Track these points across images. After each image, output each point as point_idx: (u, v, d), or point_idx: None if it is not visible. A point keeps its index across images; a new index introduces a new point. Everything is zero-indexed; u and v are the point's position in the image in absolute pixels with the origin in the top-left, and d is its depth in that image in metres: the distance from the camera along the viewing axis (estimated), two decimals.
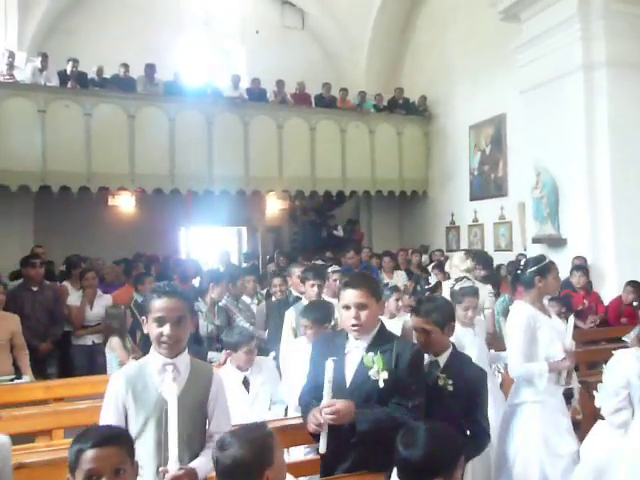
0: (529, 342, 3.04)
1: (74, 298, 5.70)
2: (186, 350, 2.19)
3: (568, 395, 3.42)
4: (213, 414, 2.18)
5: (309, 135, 10.43)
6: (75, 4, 10.93)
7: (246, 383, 3.44)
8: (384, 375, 2.18)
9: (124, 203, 10.76)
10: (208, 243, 12.33)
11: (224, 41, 12.42)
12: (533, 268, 3.16)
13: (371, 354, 2.22)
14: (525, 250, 7.98)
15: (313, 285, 3.95)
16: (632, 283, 5.97)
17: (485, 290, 5.04)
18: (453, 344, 2.69)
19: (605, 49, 6.64)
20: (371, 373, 2.20)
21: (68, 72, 8.84)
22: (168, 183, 9.43)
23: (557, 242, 7.09)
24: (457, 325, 3.17)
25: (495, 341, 4.57)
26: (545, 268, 3.15)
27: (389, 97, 11.25)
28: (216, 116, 9.70)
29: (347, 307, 2.26)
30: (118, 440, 1.66)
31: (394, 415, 2.13)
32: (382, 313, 2.58)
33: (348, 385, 2.23)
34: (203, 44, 12.09)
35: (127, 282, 6.33)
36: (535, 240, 7.39)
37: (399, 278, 7.39)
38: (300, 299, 4.21)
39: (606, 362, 2.91)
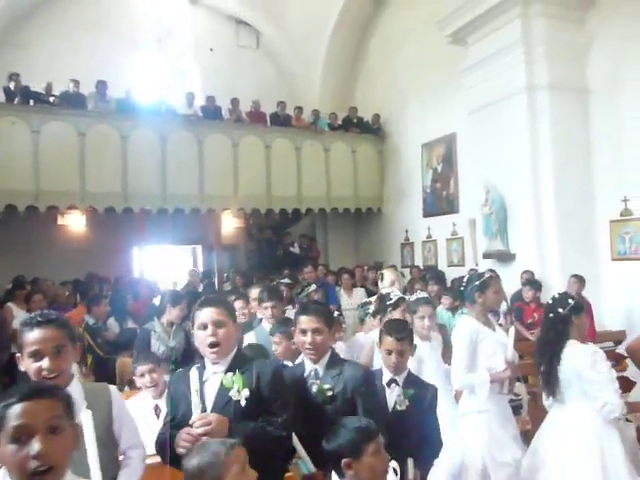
0: (471, 354, 3.17)
1: (20, 321, 5.46)
2: (75, 378, 2.09)
3: (517, 407, 3.54)
4: (121, 432, 2.13)
5: (264, 153, 10.46)
6: (25, 18, 10.69)
7: (157, 410, 3.34)
8: (245, 393, 2.14)
9: (74, 222, 10.46)
10: (163, 262, 12.11)
11: (178, 59, 12.35)
12: (474, 284, 3.29)
13: (230, 374, 2.18)
14: (477, 265, 8.20)
15: (267, 308, 3.92)
16: (575, 275, 6.26)
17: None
18: None
19: (547, 73, 6.99)
20: (232, 393, 2.15)
21: (12, 88, 8.59)
22: (120, 201, 9.25)
23: (506, 257, 7.33)
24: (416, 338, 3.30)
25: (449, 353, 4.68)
26: (484, 284, 3.28)
27: (343, 116, 11.43)
28: (170, 134, 9.62)
29: (205, 326, 2.20)
30: (52, 392, 1.39)
31: (268, 429, 2.11)
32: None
33: (211, 410, 2.13)
34: (157, 62, 11.98)
35: (79, 303, 6.14)
36: (485, 255, 7.62)
37: (358, 295, 7.46)
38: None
39: None
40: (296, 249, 11.18)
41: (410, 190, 10.68)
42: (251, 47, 12.98)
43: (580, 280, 6.13)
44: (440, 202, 9.86)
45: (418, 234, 10.50)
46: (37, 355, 1.92)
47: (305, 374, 2.46)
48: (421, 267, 9.63)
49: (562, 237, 6.94)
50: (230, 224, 12.30)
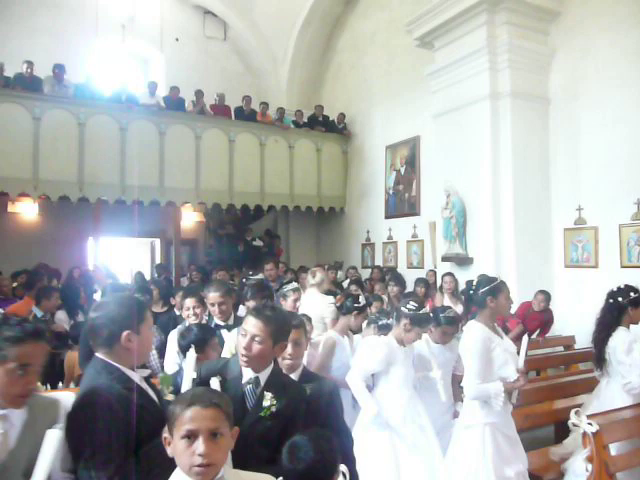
0: (485, 363, 3.06)
1: None
2: None
3: None
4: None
5: (228, 147, 10.30)
6: None
7: None
8: None
9: (25, 210, 10.07)
10: (119, 255, 11.78)
11: (142, 47, 12.07)
12: (485, 288, 3.17)
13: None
14: (435, 268, 8.30)
15: (188, 308, 3.77)
16: (543, 292, 6.34)
17: (325, 301, 5.23)
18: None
19: (509, 80, 7.08)
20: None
21: None
22: (75, 191, 8.94)
23: (464, 261, 7.42)
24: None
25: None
26: (496, 288, 3.16)
27: (309, 113, 11.37)
28: (130, 123, 9.35)
29: None
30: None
31: None
32: None
33: None
34: (120, 48, 11.67)
35: (26, 296, 5.85)
36: (444, 258, 7.69)
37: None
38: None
39: None
40: (259, 243, 11.06)
41: (373, 191, 10.72)
42: (218, 39, 12.79)
43: (547, 297, 6.19)
44: (402, 204, 9.93)
45: (379, 235, 10.54)
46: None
47: (243, 380, 2.22)
48: (382, 268, 9.66)
49: (519, 243, 7.06)
50: (190, 218, 12.10)
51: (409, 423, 3.34)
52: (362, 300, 4.18)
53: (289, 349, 2.37)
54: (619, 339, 3.53)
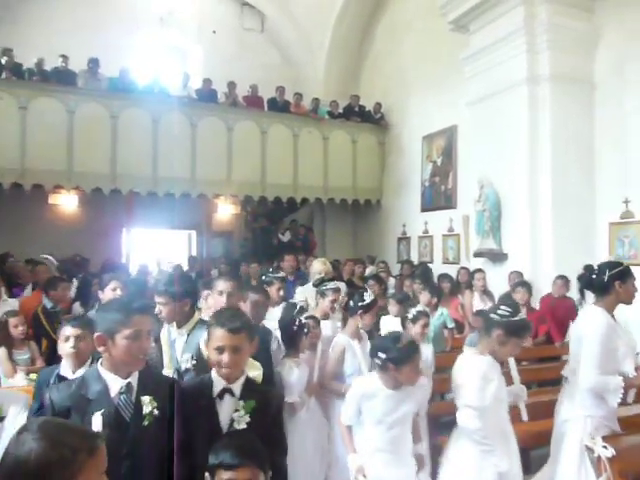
0: (607, 353, 2.80)
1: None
2: None
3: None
4: None
5: (260, 139, 10.17)
6: None
7: None
8: None
9: (65, 202, 10.28)
10: (156, 246, 11.91)
11: (180, 40, 12.10)
12: (613, 271, 2.91)
13: None
14: (469, 263, 7.86)
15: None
16: (561, 276, 5.90)
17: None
18: None
19: (549, 63, 6.58)
20: None
21: (3, 62, 8.39)
22: (108, 183, 9.04)
23: (498, 257, 6.99)
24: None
25: None
26: (626, 272, 2.93)
27: (346, 104, 11.08)
28: (162, 115, 9.36)
29: None
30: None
31: None
32: None
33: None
34: (157, 42, 11.74)
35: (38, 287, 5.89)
36: (477, 254, 7.28)
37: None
38: None
39: None
40: (286, 237, 10.89)
41: (409, 183, 10.33)
42: (255, 30, 12.67)
43: (566, 281, 5.73)
44: (438, 197, 9.51)
45: (415, 229, 10.16)
46: None
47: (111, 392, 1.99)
48: (415, 263, 9.29)
49: (558, 238, 6.56)
50: (226, 210, 12.07)
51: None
52: (368, 297, 3.85)
53: (225, 357, 2.07)
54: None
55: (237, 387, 2.12)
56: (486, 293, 6.57)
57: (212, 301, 3.57)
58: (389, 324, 5.11)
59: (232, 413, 2.06)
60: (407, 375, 2.63)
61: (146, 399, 1.89)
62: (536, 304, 6.29)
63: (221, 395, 2.09)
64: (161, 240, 12.32)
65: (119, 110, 9.06)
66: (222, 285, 3.24)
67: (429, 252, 9.74)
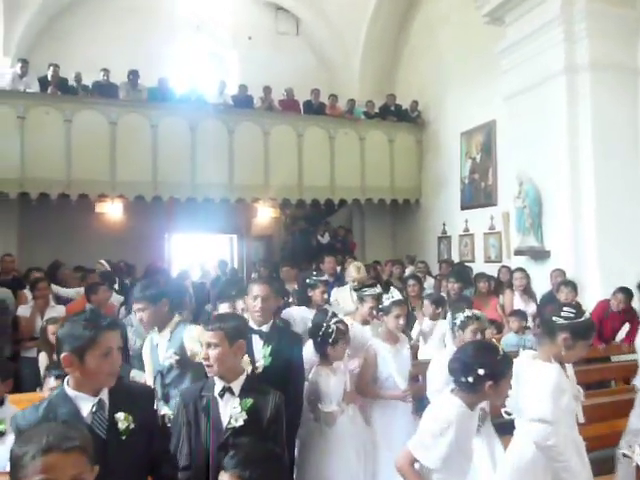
0: None
1: (25, 308, 5.53)
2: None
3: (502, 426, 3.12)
4: None
5: (296, 142, 10.21)
6: (65, 9, 10.91)
7: None
8: None
9: (111, 210, 10.63)
10: (199, 251, 12.15)
11: (216, 47, 12.31)
12: None
13: None
14: (510, 261, 7.64)
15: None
16: (623, 289, 5.60)
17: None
18: None
19: (588, 51, 6.32)
20: None
21: (49, 78, 8.75)
22: (150, 190, 9.28)
23: (540, 254, 6.76)
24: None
25: None
26: None
27: (381, 104, 10.99)
28: (200, 122, 9.54)
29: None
30: (79, 443, 1.32)
31: None
32: None
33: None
34: (194, 50, 11.97)
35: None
36: (518, 252, 7.06)
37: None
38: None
39: None
40: (325, 239, 10.88)
41: (448, 181, 10.15)
42: (290, 34, 12.73)
43: (628, 295, 5.36)
44: (478, 194, 9.29)
45: (455, 227, 9.96)
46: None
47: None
48: (454, 262, 9.11)
49: (602, 234, 6.29)
50: (265, 214, 12.18)
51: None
52: (386, 299, 3.66)
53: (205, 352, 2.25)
54: None
55: (236, 386, 2.22)
56: (527, 292, 6.36)
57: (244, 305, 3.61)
58: (427, 328, 5.03)
59: (231, 410, 2.14)
60: (503, 390, 2.31)
61: (120, 416, 1.83)
62: (582, 304, 6.03)
63: (222, 394, 2.20)
64: (203, 245, 12.55)
65: (158, 119, 9.29)
66: (257, 289, 3.16)
67: (470, 251, 9.53)
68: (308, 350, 3.43)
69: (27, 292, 6.24)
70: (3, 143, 8.36)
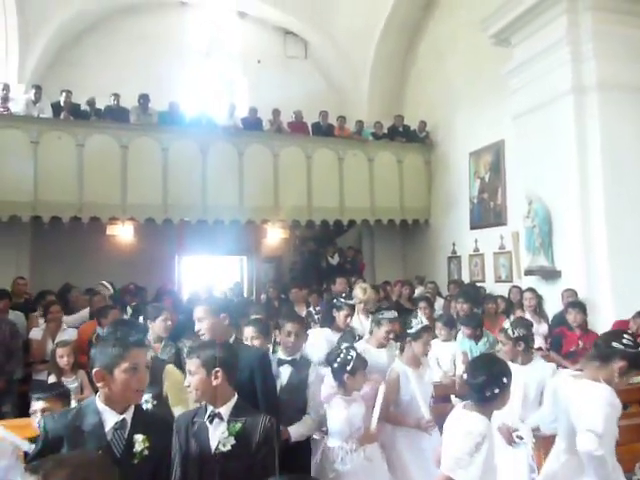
0: None
1: (37, 331, 5.55)
2: None
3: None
4: None
5: (306, 164, 10.27)
6: (77, 37, 11.16)
7: None
8: None
9: (122, 232, 10.71)
10: (208, 272, 12.18)
11: (226, 71, 12.49)
12: None
13: None
14: (521, 281, 7.58)
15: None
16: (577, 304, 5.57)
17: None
18: None
19: (596, 71, 6.34)
20: None
21: (62, 103, 8.92)
22: (161, 213, 9.36)
23: (551, 274, 6.69)
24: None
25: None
26: None
27: (389, 125, 11.06)
28: (210, 145, 9.65)
29: None
30: None
31: None
32: None
33: None
34: (204, 74, 12.16)
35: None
36: (528, 272, 7.00)
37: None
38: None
39: None
40: (335, 260, 10.87)
41: (458, 201, 10.13)
42: (299, 57, 12.91)
43: (582, 309, 5.43)
44: (487, 213, 9.26)
45: (465, 247, 9.92)
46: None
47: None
48: (465, 282, 9.05)
49: (614, 254, 6.22)
50: (275, 235, 12.21)
51: None
52: (415, 323, 3.64)
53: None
54: None
55: (225, 411, 2.23)
56: (538, 313, 6.30)
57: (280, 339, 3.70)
58: (439, 350, 4.96)
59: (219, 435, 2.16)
60: (508, 397, 2.51)
61: (139, 437, 1.92)
62: (594, 325, 5.93)
63: (211, 419, 2.22)
64: (213, 266, 12.58)
65: (169, 142, 9.40)
66: (290, 326, 3.47)
67: (480, 270, 9.47)
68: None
69: (38, 315, 6.30)
70: (17, 167, 8.51)
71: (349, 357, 3.20)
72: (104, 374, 1.97)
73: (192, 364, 2.29)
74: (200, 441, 2.18)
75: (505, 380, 2.41)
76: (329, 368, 3.33)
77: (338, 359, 3.22)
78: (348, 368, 3.18)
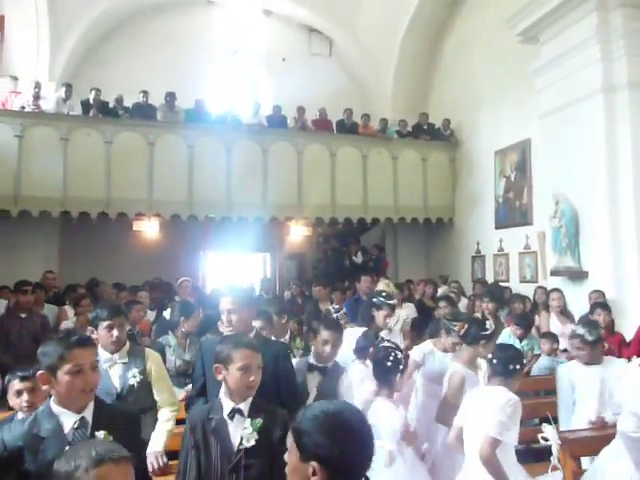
0: None
1: (68, 324, 5.69)
2: None
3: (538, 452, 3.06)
4: None
5: (330, 161, 10.29)
6: (106, 35, 11.36)
7: None
8: None
9: (147, 228, 10.87)
10: (230, 269, 12.30)
11: (251, 69, 12.57)
12: None
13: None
14: (546, 282, 7.50)
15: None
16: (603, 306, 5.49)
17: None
18: None
19: (627, 70, 6.23)
20: None
21: (91, 101, 9.09)
22: (186, 209, 9.48)
23: (577, 275, 6.60)
24: None
25: None
26: None
27: (414, 122, 11.01)
28: (235, 143, 9.73)
29: None
30: (128, 457, 1.40)
31: None
32: None
33: None
34: (230, 72, 12.26)
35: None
36: (554, 272, 6.92)
37: (405, 310, 7.00)
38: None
39: None
40: (358, 258, 10.87)
41: (482, 200, 10.05)
42: (323, 55, 12.92)
43: (608, 310, 5.40)
44: (513, 213, 9.17)
45: (489, 247, 9.83)
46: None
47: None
48: (489, 282, 8.98)
49: None
50: (298, 233, 12.25)
51: None
52: (490, 326, 3.56)
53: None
54: None
55: (245, 406, 2.22)
56: (565, 314, 6.21)
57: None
58: None
59: (241, 431, 2.15)
60: None
61: (100, 434, 1.82)
62: (622, 327, 5.86)
63: (231, 415, 2.20)
64: (237, 263, 12.70)
65: (194, 140, 9.51)
66: (327, 335, 3.31)
67: (505, 270, 9.38)
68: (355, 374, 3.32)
69: (67, 308, 6.46)
70: (47, 164, 8.70)
71: (400, 356, 3.12)
72: (48, 376, 1.88)
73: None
74: (220, 438, 2.17)
75: (523, 362, 2.90)
76: (368, 367, 3.26)
77: (390, 357, 3.09)
78: (401, 367, 3.10)
